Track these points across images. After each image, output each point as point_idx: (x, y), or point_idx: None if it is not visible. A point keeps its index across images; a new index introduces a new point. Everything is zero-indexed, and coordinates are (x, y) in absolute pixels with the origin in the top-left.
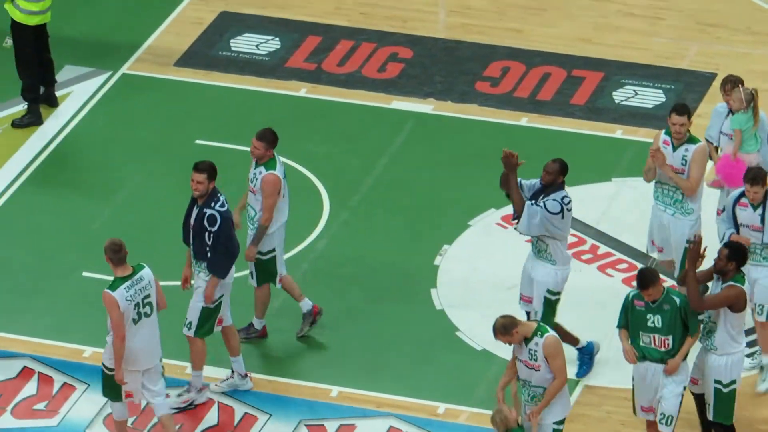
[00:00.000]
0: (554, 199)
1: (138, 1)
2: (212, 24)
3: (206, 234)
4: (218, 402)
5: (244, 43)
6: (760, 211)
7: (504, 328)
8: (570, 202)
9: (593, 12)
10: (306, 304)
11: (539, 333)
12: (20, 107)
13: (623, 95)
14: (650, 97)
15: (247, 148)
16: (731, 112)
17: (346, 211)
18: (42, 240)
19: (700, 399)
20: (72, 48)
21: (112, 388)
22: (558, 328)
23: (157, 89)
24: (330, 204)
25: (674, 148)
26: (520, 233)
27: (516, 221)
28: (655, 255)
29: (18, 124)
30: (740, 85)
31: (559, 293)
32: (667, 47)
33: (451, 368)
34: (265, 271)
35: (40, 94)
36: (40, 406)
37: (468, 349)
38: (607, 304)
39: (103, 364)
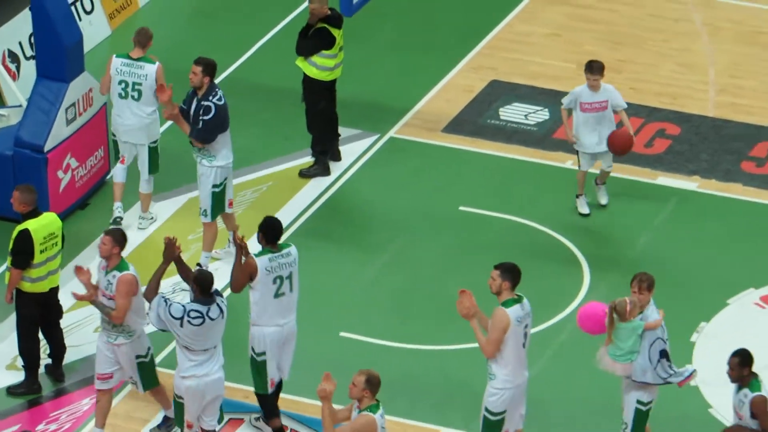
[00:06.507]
0: (182, 305)
1: (409, 66)
2: (482, 92)
3: (200, 122)
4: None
5: (513, 113)
6: None
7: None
8: (198, 317)
9: None
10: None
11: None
12: (306, 158)
13: None
14: None
15: (513, 218)
16: None
17: (605, 286)
18: (305, 295)
19: None
20: (341, 109)
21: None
22: None
23: (423, 154)
24: (590, 277)
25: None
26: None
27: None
28: None
29: (305, 174)
30: None
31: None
32: None
33: None
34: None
35: (328, 148)
36: None
37: (720, 426)
38: None
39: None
